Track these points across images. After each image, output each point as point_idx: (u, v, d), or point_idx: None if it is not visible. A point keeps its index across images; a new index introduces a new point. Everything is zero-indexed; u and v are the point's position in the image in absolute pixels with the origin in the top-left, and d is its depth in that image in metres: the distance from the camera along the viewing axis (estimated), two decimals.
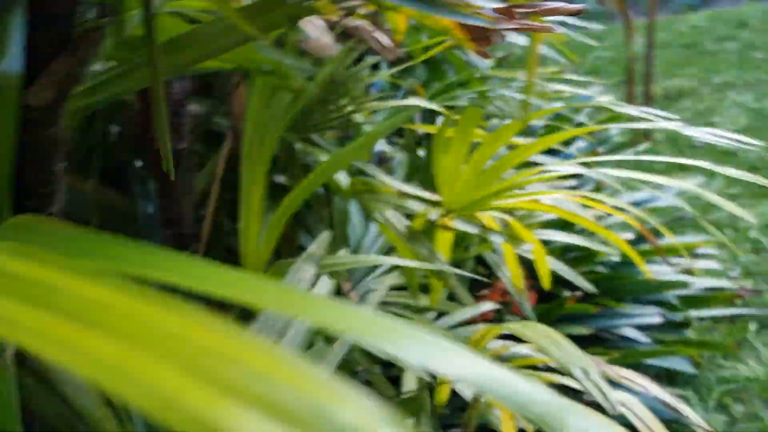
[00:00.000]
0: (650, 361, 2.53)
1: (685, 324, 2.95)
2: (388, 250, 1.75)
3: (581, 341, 1.33)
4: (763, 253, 4.30)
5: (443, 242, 1.42)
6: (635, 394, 1.10)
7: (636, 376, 1.13)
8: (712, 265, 3.77)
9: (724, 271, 4.13)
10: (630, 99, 4.66)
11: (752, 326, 3.61)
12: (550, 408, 0.28)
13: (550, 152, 2.84)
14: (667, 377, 3.08)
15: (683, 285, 2.73)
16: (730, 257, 4.29)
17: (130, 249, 0.31)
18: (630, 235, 2.57)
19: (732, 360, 3.43)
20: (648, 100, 5.13)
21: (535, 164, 1.44)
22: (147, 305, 0.24)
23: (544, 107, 2.40)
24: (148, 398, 0.19)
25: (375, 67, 2.08)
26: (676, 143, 6.25)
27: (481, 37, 0.68)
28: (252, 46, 0.82)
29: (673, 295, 2.82)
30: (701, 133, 0.93)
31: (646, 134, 5.08)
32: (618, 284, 2.54)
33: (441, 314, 1.54)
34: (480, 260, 1.81)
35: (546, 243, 1.72)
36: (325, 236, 0.97)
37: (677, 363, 2.58)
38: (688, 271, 2.91)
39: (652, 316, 2.46)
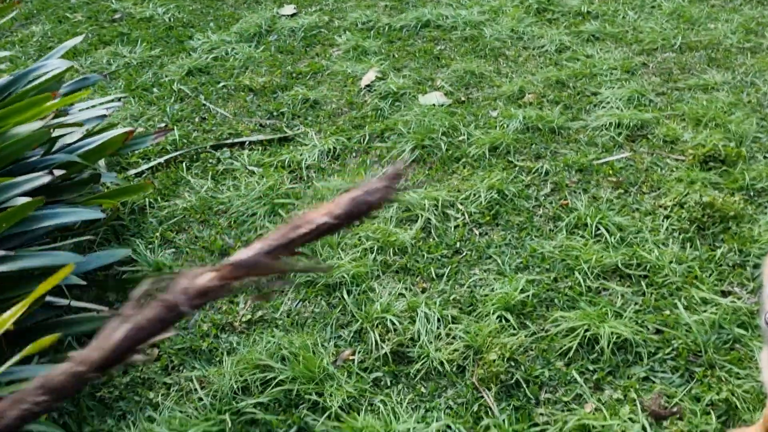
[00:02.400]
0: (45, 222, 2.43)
1: (96, 178, 2.95)
2: None
3: None
4: (187, 99, 4.62)
5: None
6: None
7: None
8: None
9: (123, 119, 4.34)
10: None
11: (185, 164, 3.90)
12: None
13: None
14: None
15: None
16: (160, 109, 4.50)
17: None
18: None
19: (171, 198, 3.67)
20: None
21: None
22: None
23: None
24: None
25: None
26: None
27: None
28: None
29: (75, 154, 2.73)
30: None
31: None
32: None
33: None
34: None
35: None
36: None
37: (88, 214, 2.55)
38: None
39: (41, 178, 2.32)
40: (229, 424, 2.42)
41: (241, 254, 0.90)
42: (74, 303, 2.65)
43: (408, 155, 3.71)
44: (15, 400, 0.83)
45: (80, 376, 0.86)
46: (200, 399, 2.56)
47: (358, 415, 2.40)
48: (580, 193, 3.34)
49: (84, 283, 2.58)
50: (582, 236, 3.07)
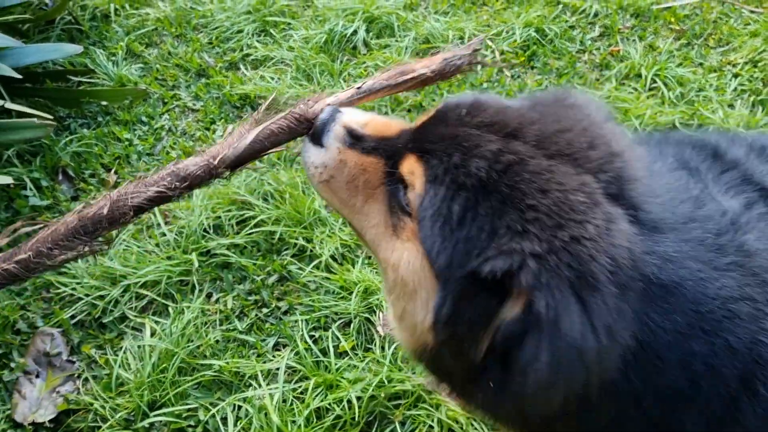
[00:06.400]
0: None
1: None
2: None
3: None
4: None
5: None
6: None
7: None
8: None
9: None
10: None
11: None
12: None
13: None
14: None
15: None
16: None
17: None
18: None
19: (141, 5, 3.05)
20: None
21: None
22: None
23: None
24: None
25: None
26: None
27: None
28: None
29: None
30: None
31: None
32: None
33: None
34: None
35: None
36: None
37: None
38: None
39: None
40: (196, 265, 2.00)
41: (365, 83, 1.04)
42: (11, 105, 2.13)
43: None
44: (148, 183, 0.90)
45: (212, 170, 0.92)
46: (163, 234, 2.12)
47: (353, 267, 1.99)
48: (634, 40, 2.78)
49: (19, 77, 2.04)
50: (634, 88, 2.55)
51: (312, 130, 0.95)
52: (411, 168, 0.85)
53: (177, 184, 0.89)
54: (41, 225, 0.83)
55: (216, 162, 0.90)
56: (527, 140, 0.83)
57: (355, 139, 0.93)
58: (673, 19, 2.86)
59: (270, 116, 0.94)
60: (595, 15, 2.90)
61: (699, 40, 2.78)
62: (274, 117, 0.94)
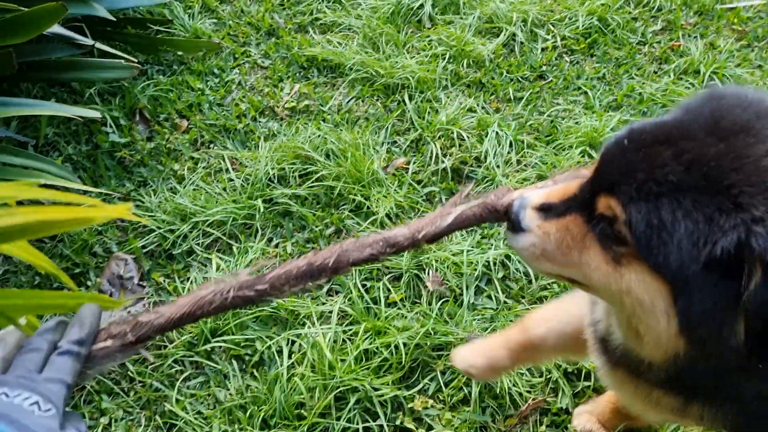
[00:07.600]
0: None
1: None
2: None
3: None
4: None
5: None
6: None
7: None
8: None
9: None
10: None
11: None
12: None
13: None
14: None
15: None
16: None
17: None
18: None
19: None
20: None
21: None
22: None
23: None
24: None
25: None
26: None
27: None
28: None
29: None
30: None
31: None
32: None
33: None
34: None
35: None
36: None
37: None
38: None
39: None
40: (261, 210, 2.14)
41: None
42: (100, 45, 2.28)
43: None
44: (364, 244, 1.00)
45: (415, 242, 1.02)
46: (230, 180, 2.26)
47: None
48: (695, 37, 2.81)
49: (113, 19, 2.18)
50: (691, 84, 2.60)
51: (510, 223, 1.04)
52: (605, 204, 0.91)
53: (387, 249, 1.00)
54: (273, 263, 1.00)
55: (420, 236, 1.01)
56: (695, 136, 0.87)
57: (546, 211, 1.01)
58: (736, 20, 2.89)
59: (465, 202, 1.05)
60: (659, 9, 2.94)
61: (760, 43, 2.81)
62: (469, 203, 1.05)
